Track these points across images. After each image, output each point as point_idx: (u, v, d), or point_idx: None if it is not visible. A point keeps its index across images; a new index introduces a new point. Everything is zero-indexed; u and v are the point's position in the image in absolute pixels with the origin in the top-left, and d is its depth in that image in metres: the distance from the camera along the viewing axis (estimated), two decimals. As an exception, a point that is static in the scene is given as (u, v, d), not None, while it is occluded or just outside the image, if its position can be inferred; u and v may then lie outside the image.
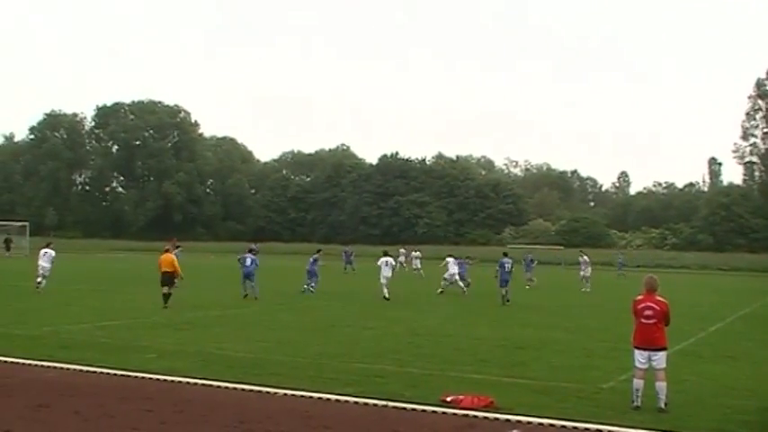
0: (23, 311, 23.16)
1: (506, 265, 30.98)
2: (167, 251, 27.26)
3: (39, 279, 30.72)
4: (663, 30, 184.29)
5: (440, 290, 34.73)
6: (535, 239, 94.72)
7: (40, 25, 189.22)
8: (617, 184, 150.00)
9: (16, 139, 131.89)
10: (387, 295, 30.41)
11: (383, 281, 30.95)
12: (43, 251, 31.89)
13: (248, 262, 30.28)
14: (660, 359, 11.46)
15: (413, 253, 54.45)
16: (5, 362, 14.42)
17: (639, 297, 11.94)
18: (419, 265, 51.41)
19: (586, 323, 24.17)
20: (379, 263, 31.73)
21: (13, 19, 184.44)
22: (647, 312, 11.66)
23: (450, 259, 35.85)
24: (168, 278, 25.87)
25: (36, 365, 14.07)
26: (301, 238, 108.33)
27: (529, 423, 10.36)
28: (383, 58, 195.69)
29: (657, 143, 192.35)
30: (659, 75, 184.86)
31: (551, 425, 10.28)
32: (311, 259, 34.95)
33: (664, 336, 11.66)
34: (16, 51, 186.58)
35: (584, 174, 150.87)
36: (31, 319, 21.30)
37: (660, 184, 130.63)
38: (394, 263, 33.57)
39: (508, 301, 30.25)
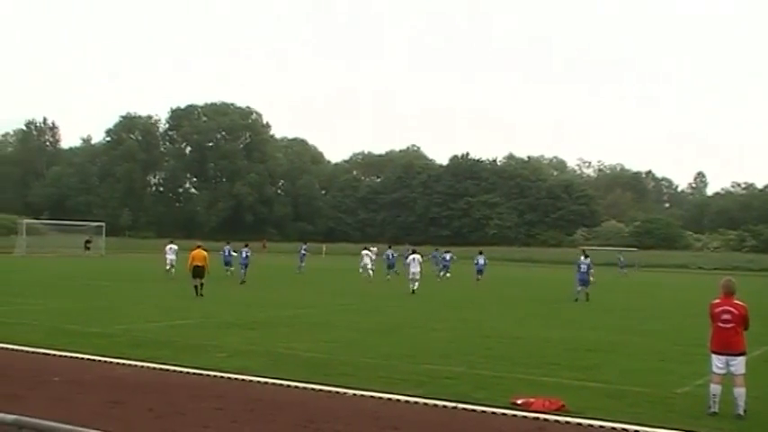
0: (98, 310, 23.66)
1: (582, 266, 31.87)
2: (199, 247, 31.30)
3: (168, 267, 40.38)
4: (740, 25, 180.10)
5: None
6: (607, 241, 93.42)
7: (117, 30, 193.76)
8: (693, 185, 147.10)
9: (93, 142, 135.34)
10: (414, 289, 33.16)
11: (410, 276, 33.88)
12: (168, 246, 41.65)
13: (243, 255, 39.15)
14: (739, 364, 11.12)
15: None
16: (81, 359, 14.72)
17: (717, 301, 11.60)
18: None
19: (658, 326, 23.68)
20: (407, 260, 34.76)
21: (91, 24, 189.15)
22: (725, 316, 11.32)
23: (365, 252, 43.96)
24: (200, 271, 29.67)
25: (110, 363, 14.33)
26: (371, 239, 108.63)
27: (601, 427, 10.16)
28: (453, 59, 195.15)
29: (736, 143, 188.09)
30: (736, 72, 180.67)
31: (624, 429, 10.07)
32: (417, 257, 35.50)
33: (742, 340, 11.31)
34: (94, 56, 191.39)
35: (658, 174, 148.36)
36: (105, 317, 21.72)
37: (739, 185, 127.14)
38: (421, 259, 35.52)
39: (577, 300, 31.18)
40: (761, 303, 29.50)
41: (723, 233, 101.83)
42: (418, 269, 33.83)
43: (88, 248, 69.67)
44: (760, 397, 11.96)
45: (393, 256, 46.12)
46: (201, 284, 29.26)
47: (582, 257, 32.71)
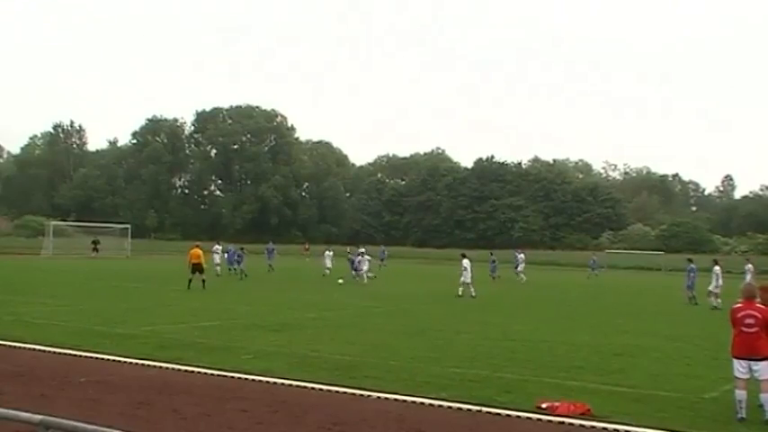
0: (124, 311, 23.81)
1: (691, 273, 34.83)
2: (197, 247, 35.14)
3: (324, 273, 45.39)
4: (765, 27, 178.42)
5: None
6: (634, 244, 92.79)
7: (142, 34, 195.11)
8: (721, 188, 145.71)
9: (119, 144, 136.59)
10: (473, 294, 33.28)
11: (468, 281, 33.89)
12: (328, 252, 48.27)
13: (228, 255, 45.73)
14: (762, 369, 10.97)
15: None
16: (107, 360, 14.83)
17: (738, 305, 11.49)
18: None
19: (686, 330, 23.44)
20: (465, 265, 34.22)
21: (117, 29, 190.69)
22: (748, 321, 11.19)
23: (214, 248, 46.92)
24: (198, 267, 33.47)
25: (136, 364, 14.43)
26: (396, 242, 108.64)
27: (627, 432, 10.10)
28: (477, 63, 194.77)
29: (765, 145, 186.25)
30: (764, 74, 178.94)
31: (650, 435, 10.00)
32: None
33: (766, 344, 11.19)
34: (120, 59, 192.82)
35: (685, 177, 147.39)
36: (132, 318, 21.87)
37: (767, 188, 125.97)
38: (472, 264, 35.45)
39: (696, 302, 33.13)
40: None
41: (752, 237, 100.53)
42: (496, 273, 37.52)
43: (96, 250, 70.03)
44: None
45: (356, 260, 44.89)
46: (203, 280, 33.11)
47: (689, 264, 35.57)
